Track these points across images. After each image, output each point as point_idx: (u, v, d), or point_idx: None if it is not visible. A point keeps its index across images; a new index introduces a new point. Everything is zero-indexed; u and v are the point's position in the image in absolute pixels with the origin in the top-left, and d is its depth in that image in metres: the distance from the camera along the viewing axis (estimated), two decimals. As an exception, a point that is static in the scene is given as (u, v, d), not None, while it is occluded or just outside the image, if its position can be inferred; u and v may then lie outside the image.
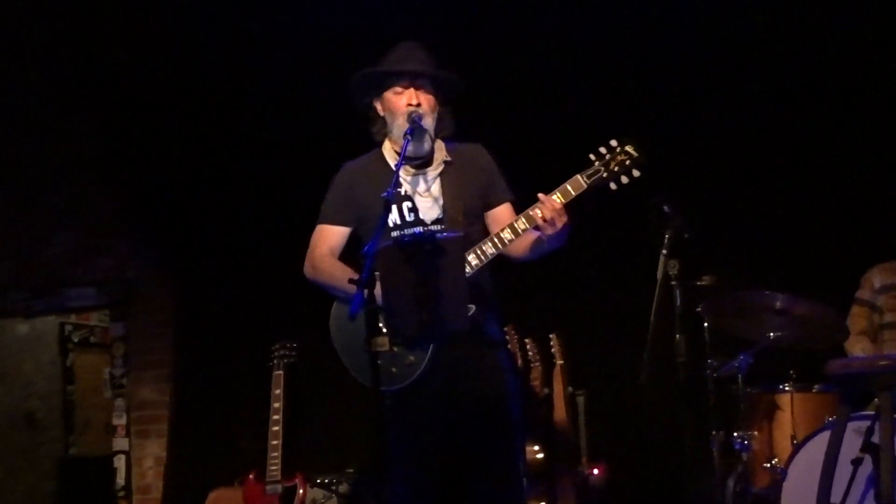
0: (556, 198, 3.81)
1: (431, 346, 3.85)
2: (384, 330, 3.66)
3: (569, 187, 3.84)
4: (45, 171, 7.77)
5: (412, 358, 3.85)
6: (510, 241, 3.88)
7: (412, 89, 4.04)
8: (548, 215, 3.78)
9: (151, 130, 7.27)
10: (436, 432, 3.97)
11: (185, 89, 7.05)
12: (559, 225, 3.81)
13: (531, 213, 3.85)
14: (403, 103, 4.03)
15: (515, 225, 3.88)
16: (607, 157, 3.85)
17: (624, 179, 3.85)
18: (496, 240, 3.90)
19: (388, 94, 4.08)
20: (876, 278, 5.63)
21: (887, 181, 5.92)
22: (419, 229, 3.93)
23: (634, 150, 3.85)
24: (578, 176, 3.85)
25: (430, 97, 4.06)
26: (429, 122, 4.03)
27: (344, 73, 4.36)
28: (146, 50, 7.03)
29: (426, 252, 3.53)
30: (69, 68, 7.52)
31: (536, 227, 3.85)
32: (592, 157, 3.88)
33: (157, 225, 7.54)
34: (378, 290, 3.51)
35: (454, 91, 4.16)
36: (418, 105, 4.01)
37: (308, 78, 6.67)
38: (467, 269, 3.85)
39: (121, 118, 7.40)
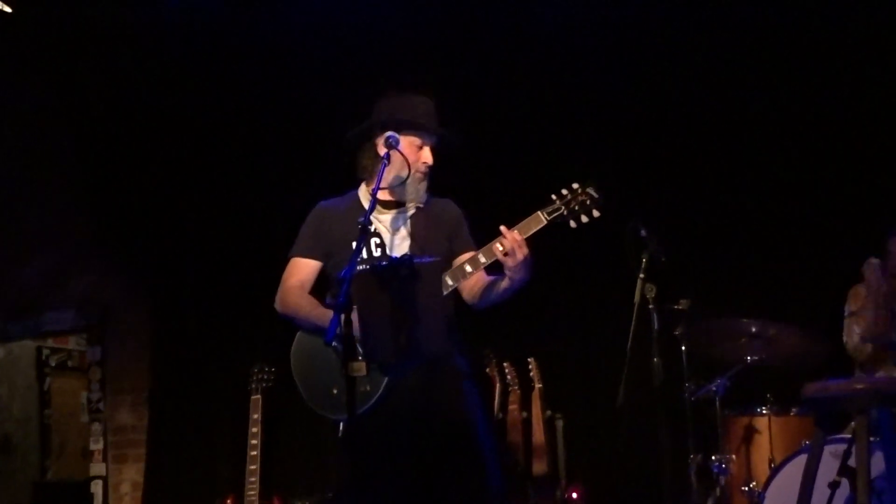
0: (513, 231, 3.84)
1: (388, 376, 3.83)
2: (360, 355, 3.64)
3: (529, 222, 3.87)
4: (21, 195, 7.75)
5: (368, 387, 3.82)
6: (478, 267, 3.90)
7: (428, 149, 4.09)
8: (508, 246, 3.80)
9: (127, 154, 7.27)
10: (392, 463, 3.92)
11: (161, 113, 7.05)
12: (520, 257, 3.82)
13: (492, 247, 3.87)
14: (421, 160, 4.07)
15: (477, 257, 3.90)
16: (568, 196, 3.88)
17: (584, 218, 3.88)
18: (472, 262, 3.91)
19: (404, 143, 4.05)
20: (863, 290, 5.52)
21: (861, 205, 5.95)
22: (395, 255, 3.92)
23: (595, 191, 3.88)
24: (539, 212, 3.88)
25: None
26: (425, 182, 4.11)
27: (319, 104, 4.37)
28: (121, 74, 7.02)
29: (403, 277, 3.53)
30: (44, 92, 7.50)
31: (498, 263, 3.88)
32: (554, 196, 3.90)
33: (133, 248, 7.51)
34: (354, 315, 3.51)
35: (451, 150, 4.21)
36: (432, 166, 4.09)
37: (284, 106, 6.69)
38: (443, 290, 3.86)
39: (96, 141, 7.39)
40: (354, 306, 3.50)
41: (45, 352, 9.80)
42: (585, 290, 6.29)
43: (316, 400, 4.00)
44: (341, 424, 3.97)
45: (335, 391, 3.89)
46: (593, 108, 6.38)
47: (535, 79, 6.47)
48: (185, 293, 7.30)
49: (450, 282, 3.90)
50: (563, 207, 3.85)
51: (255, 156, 6.96)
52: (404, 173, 4.04)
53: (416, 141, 4.08)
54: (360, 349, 3.63)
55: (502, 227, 3.84)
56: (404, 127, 4.07)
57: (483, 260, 3.88)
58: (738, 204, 6.18)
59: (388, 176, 4.01)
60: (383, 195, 4.02)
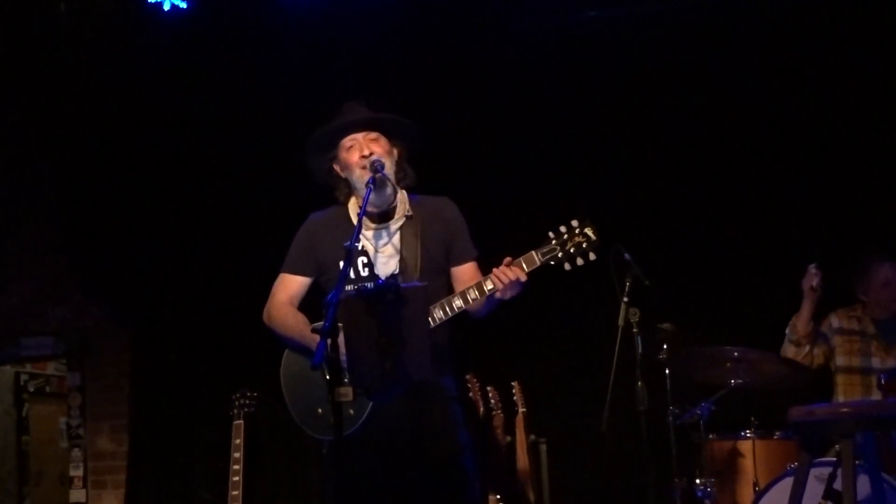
0: (510, 269, 3.84)
1: (371, 402, 3.83)
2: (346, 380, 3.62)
3: (522, 263, 3.86)
4: (0, 221, 7.71)
5: (352, 411, 3.83)
6: (473, 300, 3.90)
7: (360, 138, 4.06)
8: (505, 282, 3.81)
9: (106, 180, 7.22)
10: (377, 486, 3.92)
11: (138, 141, 7.02)
12: (514, 292, 3.86)
13: (484, 285, 3.87)
14: (356, 157, 4.04)
15: (467, 293, 3.89)
16: (565, 236, 3.87)
17: (579, 261, 3.88)
18: (464, 297, 3.91)
19: (341, 153, 4.09)
20: (834, 320, 5.76)
21: (845, 233, 5.99)
22: (381, 279, 3.90)
23: (593, 233, 3.87)
24: (534, 253, 3.87)
25: (383, 143, 4.08)
26: (389, 167, 4.03)
27: (305, 117, 4.38)
28: (99, 102, 6.99)
29: (389, 302, 3.52)
30: (22, 119, 7.46)
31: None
32: (551, 234, 3.89)
33: (112, 274, 7.46)
34: (341, 340, 3.50)
35: (407, 134, 4.17)
36: (370, 154, 4.02)
37: (268, 126, 6.68)
38: (434, 322, 3.86)
39: (74, 169, 7.34)
40: (341, 331, 3.50)
41: (24, 377, 9.72)
42: (569, 313, 6.29)
43: (302, 418, 4.01)
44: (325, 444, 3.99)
45: (320, 411, 3.90)
46: (578, 134, 6.41)
47: (520, 102, 6.49)
48: (165, 319, 7.25)
49: (440, 315, 3.89)
50: (558, 248, 3.86)
51: (232, 184, 6.94)
52: (351, 177, 4.05)
53: (346, 143, 4.08)
54: (346, 374, 3.61)
55: (499, 270, 3.84)
56: (326, 142, 4.10)
57: (474, 296, 3.89)
58: (722, 228, 6.23)
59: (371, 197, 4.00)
60: (369, 209, 4.00)
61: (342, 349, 3.53)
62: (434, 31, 6.48)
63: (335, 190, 4.19)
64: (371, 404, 3.84)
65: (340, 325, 3.51)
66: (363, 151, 4.03)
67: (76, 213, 7.48)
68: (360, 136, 4.06)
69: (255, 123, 6.76)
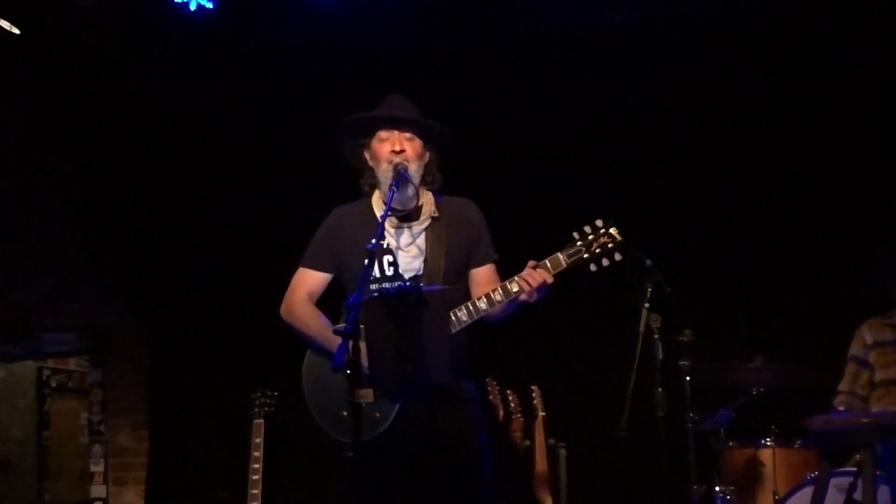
0: (537, 271, 3.84)
1: (399, 404, 3.83)
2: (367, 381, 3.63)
3: (548, 264, 3.86)
4: (20, 217, 7.75)
5: (377, 414, 3.83)
6: (498, 302, 3.89)
7: (397, 134, 4.05)
8: (534, 285, 3.82)
9: (125, 177, 7.26)
10: (398, 489, 3.93)
11: (158, 137, 7.05)
12: (540, 295, 3.86)
13: (509, 287, 3.86)
14: (388, 150, 4.04)
15: (493, 295, 3.89)
16: (590, 237, 3.87)
17: (604, 262, 3.88)
18: (489, 300, 3.90)
19: (374, 142, 4.10)
20: (867, 334, 5.48)
21: (870, 235, 5.95)
22: (404, 282, 3.90)
23: (618, 233, 3.88)
24: (559, 254, 3.87)
25: (416, 145, 4.07)
26: (414, 170, 4.03)
27: (327, 115, 4.39)
28: (119, 98, 7.02)
29: (410, 304, 3.53)
30: (42, 116, 7.50)
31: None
32: (576, 235, 3.89)
33: (132, 271, 7.50)
34: (362, 342, 3.51)
35: (441, 141, 4.17)
36: (402, 151, 4.02)
37: (289, 119, 6.70)
38: (456, 325, 3.86)
39: (95, 165, 7.38)
40: (362, 333, 3.52)
41: (46, 372, 9.77)
42: (589, 318, 6.28)
43: (326, 421, 4.01)
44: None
45: (344, 413, 3.86)
46: (600, 138, 6.40)
47: (543, 105, 6.49)
48: (185, 316, 7.28)
49: (464, 318, 3.89)
50: (583, 249, 3.86)
51: (251, 180, 6.96)
52: (378, 169, 4.05)
53: (383, 134, 4.08)
54: (367, 376, 3.62)
55: (525, 273, 3.84)
56: (362, 128, 4.11)
57: (499, 298, 3.88)
58: (745, 234, 6.19)
59: (386, 190, 4.01)
60: (395, 206, 4.01)
61: (363, 351, 3.54)
62: (456, 33, 6.47)
63: (359, 177, 4.19)
64: (397, 408, 3.83)
65: (362, 326, 3.52)
66: (395, 146, 4.03)
67: (95, 209, 7.52)
68: (396, 131, 4.06)
69: (277, 122, 6.77)
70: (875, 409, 5.41)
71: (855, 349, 5.51)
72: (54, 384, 9.94)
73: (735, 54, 6.22)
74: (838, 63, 6.03)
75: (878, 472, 4.09)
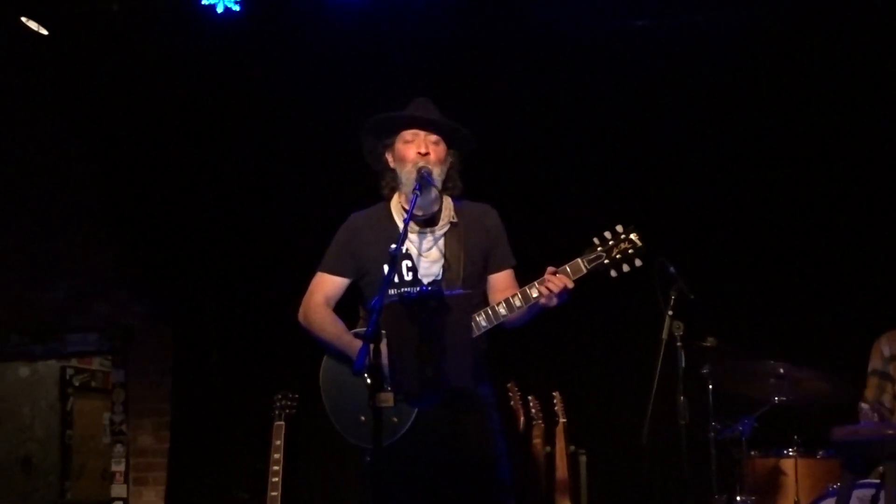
0: (557, 276, 3.81)
1: (416, 409, 3.82)
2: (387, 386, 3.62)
3: (568, 269, 3.83)
4: (47, 217, 7.80)
5: (395, 419, 3.81)
6: (517, 308, 3.87)
7: (423, 136, 4.04)
8: (554, 290, 3.79)
9: (152, 179, 7.28)
10: (416, 494, 3.92)
11: (187, 139, 7.07)
12: (561, 300, 3.83)
13: (529, 292, 3.85)
14: (413, 152, 4.02)
15: (513, 300, 3.87)
16: (610, 242, 3.85)
17: (625, 267, 3.85)
18: (508, 305, 3.88)
19: (399, 144, 4.07)
20: (885, 347, 5.43)
21: (888, 250, 5.93)
22: (425, 286, 3.89)
23: (639, 238, 3.85)
24: (579, 260, 3.85)
25: (441, 149, 4.05)
26: (437, 175, 4.01)
27: (348, 122, 4.38)
28: (149, 99, 7.05)
29: (432, 309, 3.51)
30: (71, 117, 7.54)
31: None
32: (596, 240, 3.87)
33: (156, 272, 7.52)
34: (383, 346, 3.51)
35: (465, 146, 4.15)
36: (427, 154, 4.01)
37: (312, 123, 6.71)
38: (476, 330, 3.85)
39: (122, 166, 7.41)
40: (383, 337, 3.51)
41: (69, 372, 9.82)
42: (612, 325, 6.27)
43: (344, 426, 3.99)
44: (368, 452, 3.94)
45: (363, 418, 3.86)
46: (623, 144, 6.39)
47: (563, 110, 6.48)
48: (208, 318, 7.30)
49: (483, 323, 3.88)
50: (604, 255, 3.83)
51: (278, 182, 6.98)
52: (401, 172, 4.02)
53: (407, 136, 4.05)
54: (387, 380, 3.61)
55: (546, 278, 3.81)
56: (386, 129, 4.09)
57: (519, 304, 3.86)
58: (770, 242, 6.17)
59: (408, 193, 4.00)
60: (415, 212, 3.97)
61: (384, 355, 3.53)
62: (479, 37, 6.47)
63: (380, 179, 4.17)
64: (415, 413, 3.82)
65: (383, 330, 3.51)
66: (421, 149, 4.01)
67: (122, 210, 7.55)
68: (422, 133, 4.05)
69: (302, 125, 6.78)
70: None
71: (875, 363, 5.46)
72: (77, 384, 9.99)
73: (761, 59, 6.21)
74: (866, 67, 6.00)
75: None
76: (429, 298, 3.53)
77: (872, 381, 5.43)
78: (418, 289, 3.73)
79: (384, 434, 3.57)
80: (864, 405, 5.36)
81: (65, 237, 7.81)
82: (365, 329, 3.52)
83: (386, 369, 3.56)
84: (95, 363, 10.04)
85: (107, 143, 7.39)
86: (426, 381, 3.51)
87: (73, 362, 9.78)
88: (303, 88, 6.72)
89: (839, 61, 6.03)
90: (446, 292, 3.61)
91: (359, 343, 3.68)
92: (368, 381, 3.46)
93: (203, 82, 6.83)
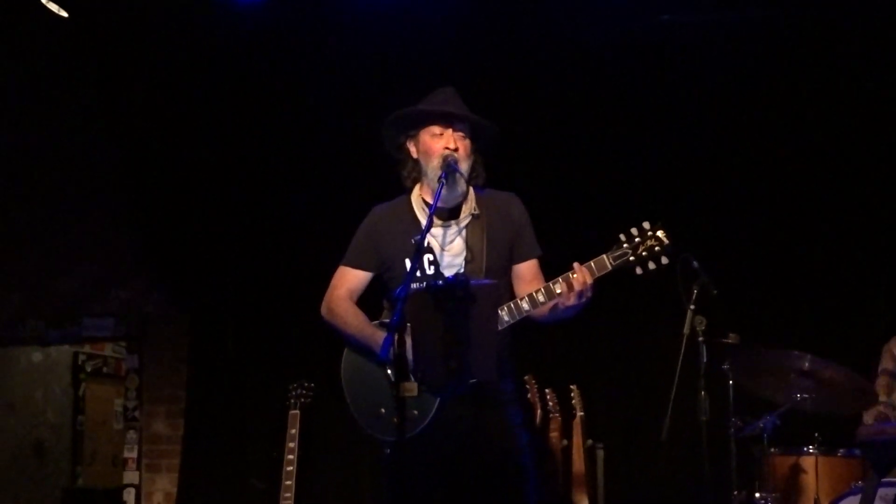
0: (578, 276, 3.73)
1: (438, 400, 3.76)
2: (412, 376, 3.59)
3: (593, 266, 3.76)
4: (66, 204, 7.78)
5: (416, 412, 3.74)
6: (541, 304, 3.81)
7: (451, 132, 3.98)
8: (576, 289, 3.72)
9: (171, 166, 7.28)
10: (437, 488, 3.87)
11: (206, 127, 7.06)
12: (582, 300, 3.76)
13: (553, 287, 3.78)
14: (441, 146, 3.96)
15: (536, 296, 3.80)
16: (637, 239, 3.75)
17: (651, 265, 3.75)
18: (532, 300, 3.82)
19: (425, 136, 4.01)
20: (895, 348, 5.50)
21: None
22: (452, 276, 3.84)
23: (665, 236, 3.75)
24: (605, 256, 3.76)
25: (467, 144, 4.00)
26: (464, 169, 3.97)
27: (370, 113, 4.34)
28: (169, 86, 7.04)
29: (458, 298, 3.48)
30: (92, 101, 7.52)
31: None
32: (622, 237, 3.78)
33: (174, 260, 7.51)
34: (407, 335, 3.48)
35: (491, 141, 4.10)
36: (456, 150, 3.95)
37: (334, 116, 6.70)
38: (499, 324, 3.79)
39: (141, 153, 7.40)
40: (408, 326, 3.47)
41: (82, 357, 9.83)
42: (632, 319, 6.24)
43: (364, 418, 3.95)
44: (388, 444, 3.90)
45: (383, 411, 3.83)
46: (648, 140, 6.35)
47: (590, 104, 6.44)
48: (225, 306, 7.30)
49: (506, 318, 3.82)
50: (630, 252, 3.74)
51: (297, 172, 6.96)
52: (427, 165, 3.98)
53: (435, 130, 3.99)
54: (411, 370, 3.57)
55: (572, 273, 3.75)
56: (413, 121, 4.03)
57: (542, 300, 3.80)
58: (794, 238, 6.13)
59: (431, 184, 3.97)
60: (438, 205, 3.93)
61: (408, 345, 3.50)
62: (502, 28, 6.43)
63: (401, 169, 4.12)
64: (436, 405, 3.76)
65: (408, 320, 3.47)
66: (450, 144, 3.95)
67: (142, 198, 7.54)
68: (450, 128, 3.99)
69: (323, 117, 6.76)
70: None
71: (886, 363, 5.51)
72: (89, 369, 10.00)
73: (786, 54, 6.17)
74: (889, 66, 5.96)
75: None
76: (455, 288, 3.50)
77: (882, 381, 5.46)
78: (446, 277, 3.69)
79: (405, 427, 3.55)
80: (867, 415, 5.36)
81: (84, 224, 7.78)
82: (389, 319, 3.48)
83: (410, 359, 3.52)
84: (108, 349, 10.06)
85: (128, 130, 7.38)
86: (450, 372, 3.48)
87: (86, 348, 9.79)
88: (324, 78, 6.69)
89: (870, 54, 5.98)
90: (473, 282, 3.57)
91: (382, 334, 3.68)
92: (392, 370, 3.43)
93: (224, 70, 6.82)
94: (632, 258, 3.75)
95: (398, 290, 3.48)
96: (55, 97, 7.60)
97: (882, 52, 5.97)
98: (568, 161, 6.46)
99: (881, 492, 4.38)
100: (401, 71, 6.35)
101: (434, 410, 3.77)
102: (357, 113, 6.28)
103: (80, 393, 9.91)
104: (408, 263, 3.93)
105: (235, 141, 7.00)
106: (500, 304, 3.80)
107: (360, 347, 3.98)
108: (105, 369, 10.15)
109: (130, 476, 7.64)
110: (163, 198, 7.38)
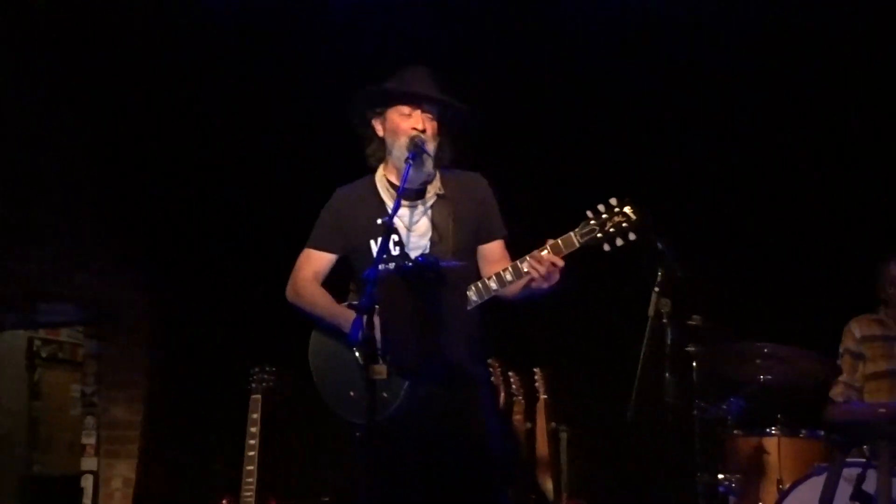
0: (546, 254, 3.71)
1: (407, 382, 3.74)
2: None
3: (560, 244, 3.73)
4: (24, 185, 7.63)
5: (385, 394, 3.72)
6: (508, 282, 3.78)
7: (419, 112, 3.94)
8: (542, 271, 3.69)
9: (133, 147, 7.18)
10: (408, 470, 3.85)
11: (168, 104, 6.98)
12: (553, 280, 3.73)
13: (520, 266, 3.74)
14: (409, 126, 3.92)
15: (503, 275, 3.77)
16: (604, 216, 3.72)
17: (618, 241, 3.71)
18: (500, 279, 3.79)
19: (393, 115, 3.97)
20: (856, 329, 5.66)
21: (871, 233, 5.94)
22: (421, 257, 3.81)
23: (633, 212, 3.72)
24: (572, 234, 3.73)
25: (435, 125, 3.97)
26: (430, 150, 3.93)
27: (333, 94, 4.29)
28: (132, 69, 6.95)
29: (428, 280, 3.45)
30: (54, 82, 7.40)
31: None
32: (589, 213, 3.73)
33: (135, 243, 7.42)
34: (376, 317, 3.43)
35: (459, 123, 4.06)
36: (423, 131, 3.92)
37: (295, 95, 6.64)
38: (467, 304, 3.78)
39: (104, 136, 7.30)
40: (377, 308, 3.43)
41: (37, 343, 9.69)
42: (597, 301, 6.23)
43: (334, 401, 3.92)
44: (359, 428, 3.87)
45: (352, 393, 3.80)
46: (613, 120, 6.34)
47: (559, 88, 6.43)
48: (186, 289, 7.23)
49: (474, 298, 3.79)
50: (597, 228, 3.70)
51: (257, 155, 6.90)
52: (394, 144, 3.93)
53: (404, 109, 3.95)
54: (381, 352, 3.54)
55: (537, 253, 3.72)
56: (382, 99, 3.98)
57: (510, 279, 3.77)
58: (757, 221, 6.16)
59: (398, 163, 3.93)
60: (399, 184, 3.90)
61: (377, 327, 3.46)
62: (473, 8, 6.40)
63: (366, 146, 4.08)
64: (405, 388, 3.74)
65: (377, 302, 3.43)
66: (418, 124, 3.91)
67: (103, 181, 7.44)
68: (419, 109, 3.95)
69: (286, 100, 6.70)
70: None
71: (848, 343, 5.66)
72: (45, 355, 9.86)
73: (752, 44, 6.19)
74: (854, 59, 5.99)
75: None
76: (426, 269, 3.47)
77: (846, 360, 5.61)
78: (416, 258, 3.65)
79: (377, 408, 3.52)
80: (833, 392, 5.45)
81: (43, 205, 7.64)
82: (358, 301, 3.44)
83: (380, 341, 3.49)
84: (63, 334, 9.91)
85: (95, 112, 7.27)
86: (421, 354, 3.46)
87: (41, 333, 9.65)
88: (288, 62, 6.64)
89: (841, 51, 6.02)
90: (443, 263, 3.54)
91: (351, 315, 3.65)
92: (360, 353, 3.40)
93: (183, 51, 6.73)
94: (599, 235, 3.72)
95: (367, 271, 3.44)
96: (13, 78, 7.46)
97: (844, 36, 6.00)
98: (533, 140, 6.44)
99: (845, 472, 4.40)
100: (368, 50, 6.30)
101: (403, 393, 3.75)
102: (319, 93, 6.21)
103: (36, 379, 9.77)
104: (373, 245, 3.91)
105: (196, 122, 6.93)
106: (469, 284, 3.78)
107: (329, 330, 3.94)
108: (61, 354, 10.01)
109: (89, 462, 7.56)
110: (121, 177, 7.29)
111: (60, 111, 7.46)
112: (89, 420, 7.62)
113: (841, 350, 5.66)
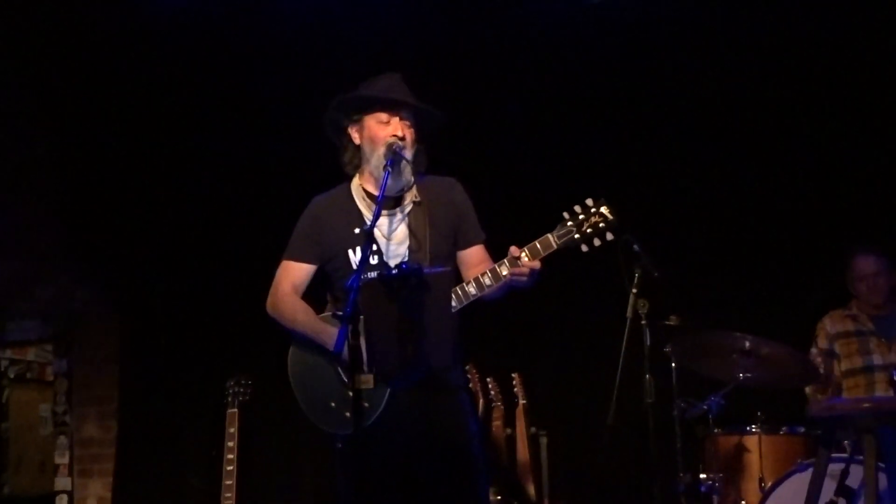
0: (524, 256, 3.71)
1: (388, 391, 3.73)
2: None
3: (538, 246, 3.73)
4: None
5: (366, 403, 3.68)
6: (487, 286, 3.78)
7: (398, 120, 3.93)
8: (518, 273, 3.71)
9: (99, 158, 7.11)
10: (391, 478, 3.82)
11: (132, 120, 6.91)
12: (531, 280, 3.75)
13: (499, 270, 3.75)
14: (387, 133, 3.90)
15: (482, 279, 3.77)
16: (581, 217, 3.74)
17: (596, 242, 3.73)
18: (478, 284, 3.79)
19: (370, 122, 3.95)
20: (829, 326, 5.70)
21: (846, 228, 5.97)
22: (405, 264, 3.78)
23: (609, 212, 3.74)
24: (549, 235, 3.74)
25: (413, 132, 3.96)
26: (409, 157, 3.91)
27: (308, 102, 4.26)
28: (96, 79, 6.88)
29: (411, 287, 3.42)
30: (17, 94, 7.31)
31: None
32: (566, 215, 3.75)
33: (103, 256, 7.34)
34: (360, 325, 3.41)
35: (435, 129, 4.06)
36: (402, 138, 3.90)
37: (270, 104, 6.59)
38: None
39: (69, 147, 7.22)
40: (361, 317, 3.41)
41: (4, 363, 9.56)
42: (574, 304, 6.23)
43: (315, 413, 3.90)
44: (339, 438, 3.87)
45: (333, 404, 3.80)
46: (587, 121, 6.34)
47: (531, 83, 6.43)
48: (157, 303, 7.14)
49: (454, 303, 3.77)
50: (574, 229, 3.72)
51: (228, 166, 6.84)
52: (372, 153, 3.91)
53: (382, 117, 3.93)
54: (366, 360, 3.51)
55: (514, 252, 3.72)
56: (358, 106, 3.96)
57: (488, 283, 3.77)
58: (733, 220, 6.18)
59: (375, 172, 3.91)
60: (376, 193, 3.89)
61: (362, 335, 3.44)
62: (446, 8, 6.39)
63: (342, 155, 4.06)
64: (387, 396, 3.73)
65: (361, 310, 3.41)
66: (396, 131, 3.90)
67: (69, 193, 7.35)
68: (397, 116, 3.93)
69: (254, 107, 6.66)
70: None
71: (820, 342, 5.70)
72: (12, 375, 9.73)
73: (726, 40, 6.20)
74: (827, 56, 6.02)
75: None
76: (408, 276, 3.44)
77: (818, 362, 5.61)
78: (399, 265, 3.63)
79: (363, 417, 3.49)
80: (809, 390, 5.46)
81: (8, 219, 7.54)
82: (341, 311, 3.41)
83: (364, 350, 3.46)
84: (31, 354, 9.78)
85: (55, 121, 7.18)
86: (406, 361, 3.43)
87: (8, 353, 9.53)
88: (263, 68, 6.61)
89: (814, 47, 6.05)
90: (426, 269, 3.52)
91: (333, 330, 3.66)
92: (346, 363, 3.37)
93: (158, 59, 6.67)
94: (577, 236, 3.73)
95: (350, 280, 3.41)
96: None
97: (814, 34, 6.04)
98: (508, 142, 6.43)
99: (830, 467, 4.41)
100: (340, 55, 6.27)
101: (385, 401, 3.75)
102: (295, 101, 6.18)
103: (4, 399, 9.64)
104: (351, 254, 3.91)
105: (166, 131, 6.87)
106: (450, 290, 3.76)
107: (308, 343, 3.92)
108: (29, 374, 9.88)
109: (62, 482, 7.47)
110: (88, 188, 7.21)
111: (22, 123, 7.37)
112: (62, 440, 7.53)
113: (813, 351, 5.68)
